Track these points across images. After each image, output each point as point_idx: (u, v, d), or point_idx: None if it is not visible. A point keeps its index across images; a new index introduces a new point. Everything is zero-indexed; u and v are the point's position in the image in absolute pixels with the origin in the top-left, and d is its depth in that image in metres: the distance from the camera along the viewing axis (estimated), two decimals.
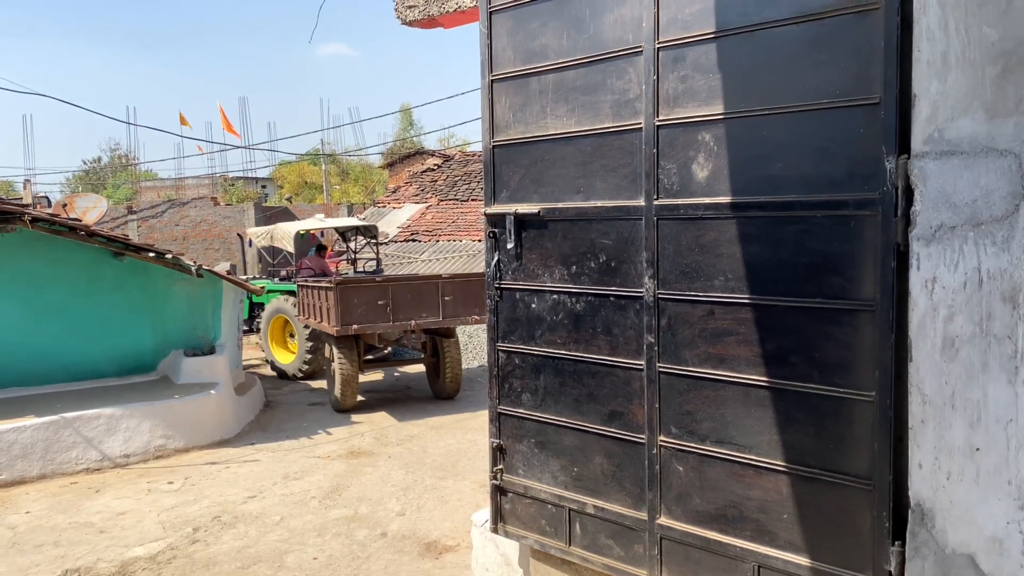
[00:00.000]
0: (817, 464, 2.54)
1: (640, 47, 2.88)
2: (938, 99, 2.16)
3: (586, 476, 3.23)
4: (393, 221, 17.54)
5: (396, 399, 9.90)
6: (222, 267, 14.05)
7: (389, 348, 9.89)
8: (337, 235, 13.12)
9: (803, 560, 2.59)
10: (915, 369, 2.25)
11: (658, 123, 2.85)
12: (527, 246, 3.34)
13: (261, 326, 11.74)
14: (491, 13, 3.35)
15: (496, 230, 3.43)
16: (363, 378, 10.50)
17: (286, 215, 22.87)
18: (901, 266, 2.29)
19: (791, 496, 2.61)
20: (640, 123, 2.91)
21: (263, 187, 40.74)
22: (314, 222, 13.37)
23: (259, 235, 13.17)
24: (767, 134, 2.59)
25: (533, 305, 3.34)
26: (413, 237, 16.66)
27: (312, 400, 9.89)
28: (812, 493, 2.56)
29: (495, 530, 3.62)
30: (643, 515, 3.02)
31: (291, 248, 11.91)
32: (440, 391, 9.56)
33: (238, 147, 36.06)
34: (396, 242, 16.30)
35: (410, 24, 4.33)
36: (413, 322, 8.47)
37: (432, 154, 22.65)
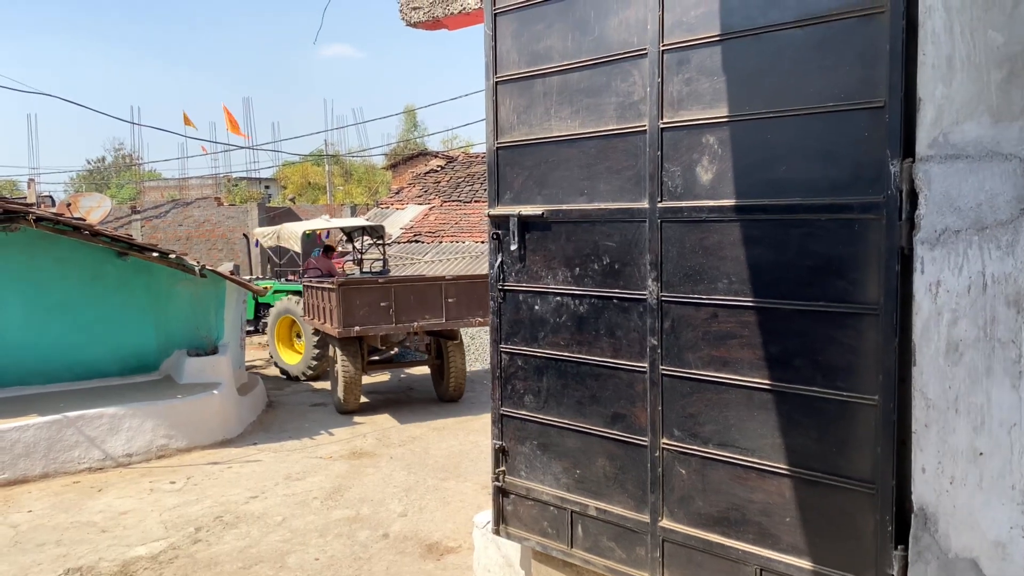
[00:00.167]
0: (820, 467, 2.53)
1: (645, 49, 2.88)
2: (943, 103, 2.16)
3: (588, 478, 3.23)
4: (396, 222, 17.55)
5: (399, 400, 9.90)
6: (225, 267, 14.06)
7: (396, 350, 9.86)
8: (343, 236, 13.11)
9: (805, 564, 2.58)
10: (919, 373, 2.25)
11: (662, 125, 2.85)
12: (530, 248, 3.34)
13: (268, 327, 11.71)
14: (495, 15, 3.36)
15: (500, 232, 3.44)
16: (369, 379, 10.50)
17: (289, 216, 22.90)
18: (905, 270, 2.28)
19: (794, 499, 2.61)
20: (644, 125, 2.91)
21: (266, 187, 40.80)
22: (321, 222, 13.37)
23: (266, 235, 13.18)
24: (771, 137, 2.59)
25: (536, 307, 3.34)
26: (416, 238, 16.67)
27: (314, 401, 9.89)
28: (815, 496, 2.56)
29: (497, 531, 3.62)
30: (645, 517, 3.02)
31: (298, 248, 11.92)
32: (443, 394, 9.53)
33: (242, 147, 36.09)
34: (399, 243, 16.31)
35: (415, 25, 4.34)
36: (416, 324, 8.46)
37: (436, 155, 22.69)
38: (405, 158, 24.54)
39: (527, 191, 3.34)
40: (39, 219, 6.86)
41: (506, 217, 3.38)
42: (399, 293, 8.35)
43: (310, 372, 10.92)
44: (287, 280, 12.90)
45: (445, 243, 16.19)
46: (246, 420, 8.43)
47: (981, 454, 2.13)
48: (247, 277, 13.44)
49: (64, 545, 5.17)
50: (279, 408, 9.49)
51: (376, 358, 9.90)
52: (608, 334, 3.10)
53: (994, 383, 2.09)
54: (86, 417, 6.92)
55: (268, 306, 12.41)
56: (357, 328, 8.19)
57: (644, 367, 2.98)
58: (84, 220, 8.20)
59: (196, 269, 7.97)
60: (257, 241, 14.52)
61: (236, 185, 36.65)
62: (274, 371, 11.77)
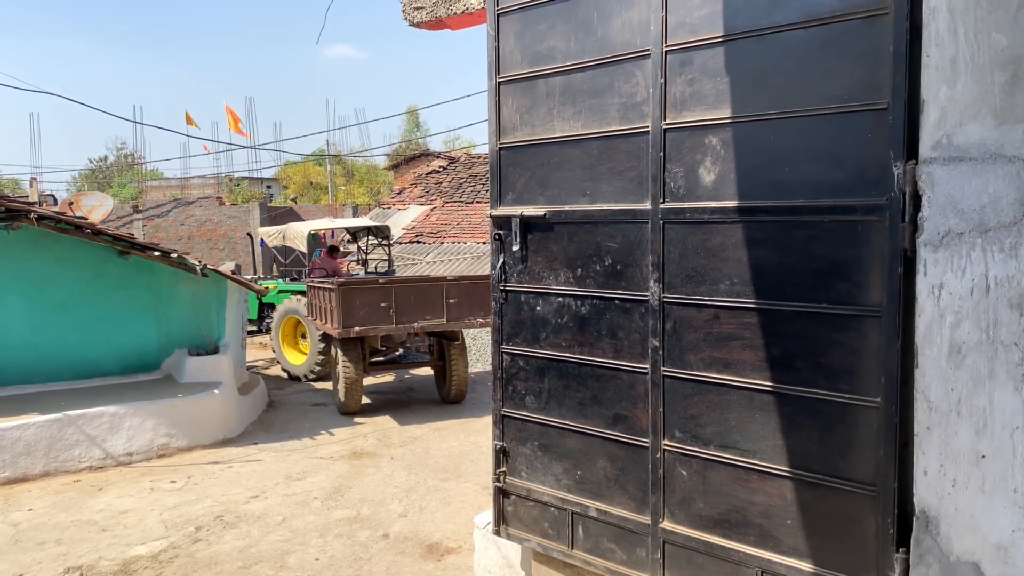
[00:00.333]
0: (821, 470, 2.53)
1: (648, 50, 2.88)
2: (947, 105, 2.16)
3: (589, 479, 3.22)
4: (398, 222, 17.55)
5: (400, 401, 9.90)
6: (227, 267, 14.07)
7: (400, 351, 9.84)
8: (348, 235, 13.11)
9: (806, 566, 2.58)
10: (921, 375, 2.24)
11: (665, 126, 2.85)
12: (533, 248, 3.34)
13: (272, 326, 11.70)
14: (499, 15, 3.35)
15: (502, 232, 3.43)
16: (372, 380, 10.48)
17: (291, 215, 22.92)
18: (908, 272, 2.28)
19: (795, 501, 2.60)
20: (647, 126, 2.91)
21: (268, 187, 40.82)
22: (326, 222, 13.38)
23: (271, 235, 13.18)
24: (774, 138, 2.59)
25: (538, 308, 3.34)
26: (418, 239, 16.68)
27: (315, 400, 9.89)
28: (816, 499, 2.55)
29: (497, 532, 3.61)
30: (646, 519, 3.01)
31: (303, 248, 11.92)
32: (445, 396, 9.48)
33: (244, 147, 36.09)
34: (401, 244, 16.31)
35: (417, 26, 4.34)
36: (416, 324, 8.44)
37: (438, 156, 22.70)
38: (407, 158, 24.55)
39: (529, 192, 3.34)
40: (41, 218, 6.87)
41: (508, 218, 3.38)
42: (400, 294, 8.34)
43: (315, 373, 10.87)
44: (292, 280, 12.90)
45: (447, 244, 16.20)
46: (247, 420, 8.43)
47: (983, 457, 2.12)
48: (249, 277, 13.43)
49: (64, 544, 5.17)
50: (280, 408, 9.49)
51: (382, 359, 9.89)
52: (610, 335, 3.09)
53: (997, 386, 2.09)
54: (87, 416, 6.92)
55: (272, 306, 12.40)
56: (357, 328, 8.18)
57: (646, 368, 2.98)
58: (86, 219, 8.19)
59: (197, 268, 7.98)
60: (263, 240, 14.54)
61: (238, 185, 36.66)
62: (277, 371, 11.77)
